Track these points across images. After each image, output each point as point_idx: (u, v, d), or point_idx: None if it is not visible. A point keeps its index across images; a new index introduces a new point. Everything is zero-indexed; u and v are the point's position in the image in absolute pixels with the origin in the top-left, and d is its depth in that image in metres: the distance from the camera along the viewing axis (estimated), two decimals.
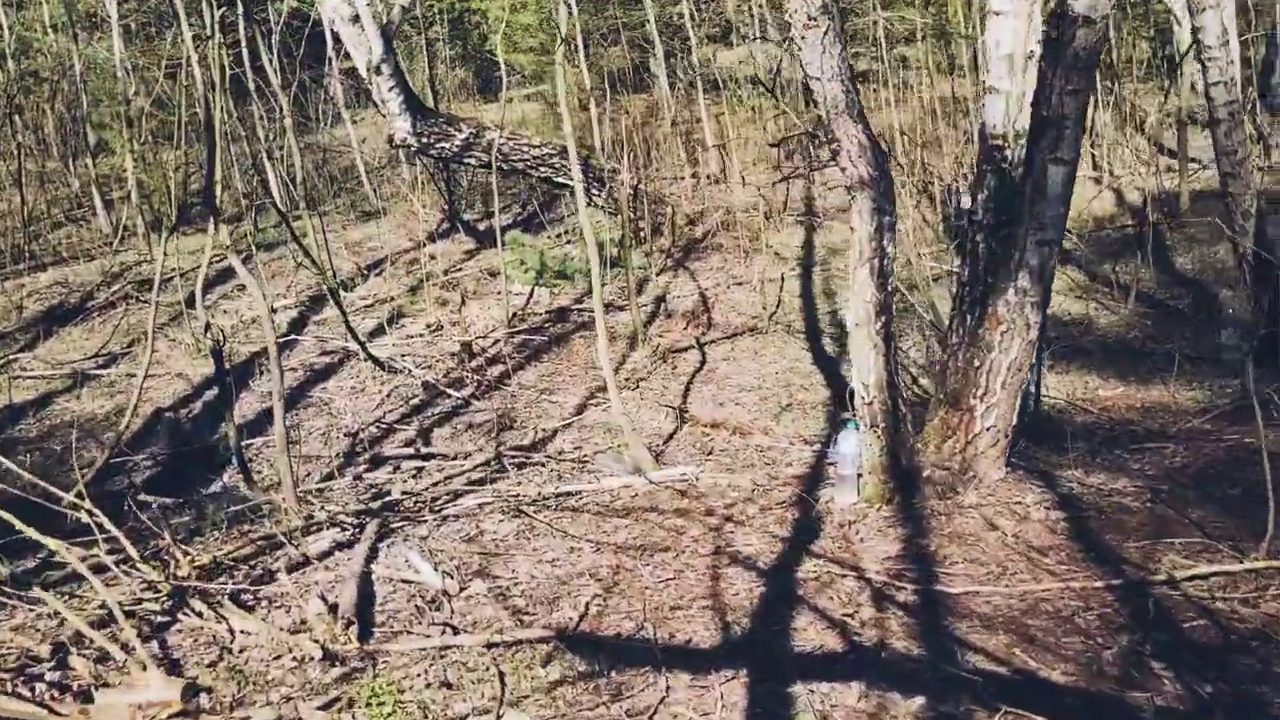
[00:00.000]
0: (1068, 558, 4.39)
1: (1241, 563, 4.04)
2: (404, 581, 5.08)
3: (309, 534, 5.91)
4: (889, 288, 5.26)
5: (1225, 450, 5.84)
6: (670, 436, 7.87)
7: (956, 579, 4.28)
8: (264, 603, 4.93)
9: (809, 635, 4.23)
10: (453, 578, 5.04)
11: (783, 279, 11.18)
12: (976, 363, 5.20)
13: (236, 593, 4.93)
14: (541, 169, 11.97)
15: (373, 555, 5.43)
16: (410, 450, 7.65)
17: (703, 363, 9.59)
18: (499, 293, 10.56)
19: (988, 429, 5.07)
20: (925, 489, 5.11)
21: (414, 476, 7.07)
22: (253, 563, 5.54)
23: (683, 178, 14.46)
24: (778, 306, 10.69)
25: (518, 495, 6.26)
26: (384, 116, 11.44)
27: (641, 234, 12.08)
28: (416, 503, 6.28)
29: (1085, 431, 6.05)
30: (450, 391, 8.79)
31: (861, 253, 5.15)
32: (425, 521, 5.96)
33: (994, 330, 5.16)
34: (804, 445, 7.39)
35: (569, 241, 12.32)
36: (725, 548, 5.27)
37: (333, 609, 4.70)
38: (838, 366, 9.18)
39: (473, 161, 11.86)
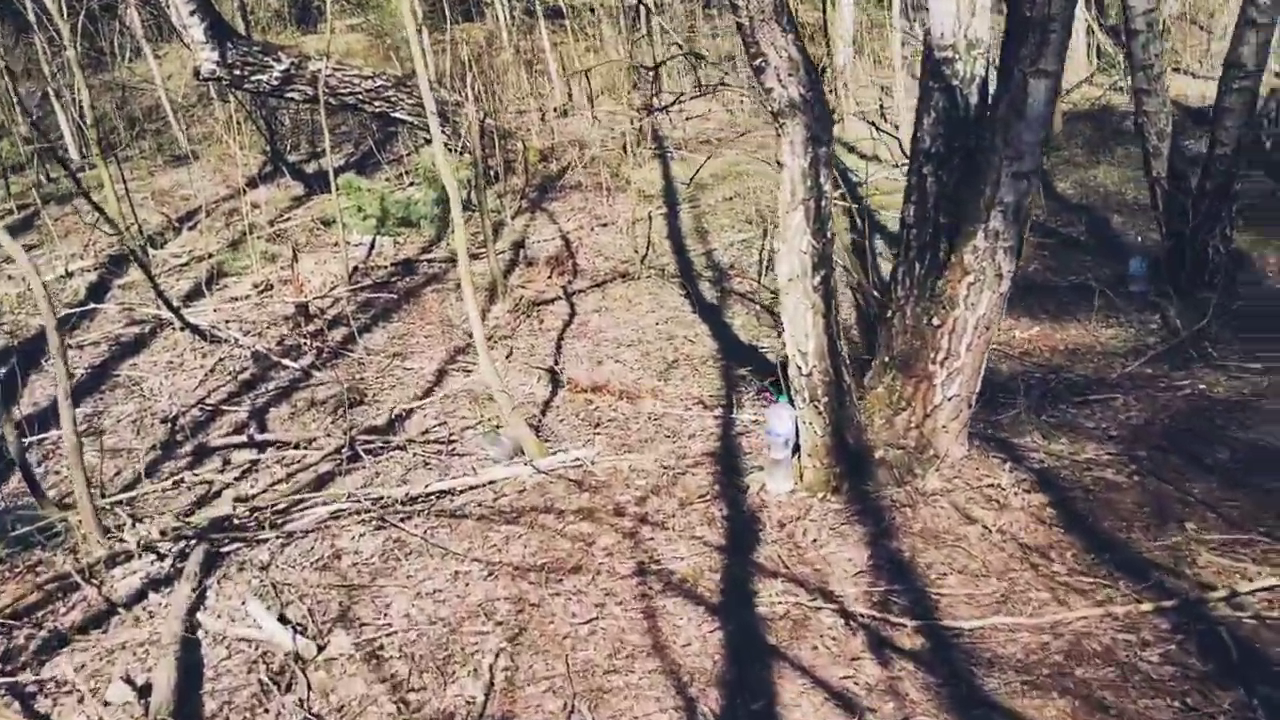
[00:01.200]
0: (1078, 562, 3.48)
1: None
2: (242, 641, 3.81)
3: (115, 566, 4.53)
4: (828, 234, 4.20)
5: (1184, 401, 5.07)
6: (547, 405, 6.71)
7: (958, 603, 3.33)
8: (48, 691, 3.58)
9: (807, 716, 3.16)
10: (306, 631, 3.79)
11: (650, 218, 10.06)
12: (935, 321, 4.19)
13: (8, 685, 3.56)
14: (376, 103, 10.42)
15: (198, 600, 4.12)
16: (242, 438, 6.25)
17: (572, 315, 8.43)
18: (335, 245, 9.09)
19: (949, 399, 4.11)
20: (878, 472, 4.14)
21: (248, 474, 5.70)
22: (39, 616, 4.15)
23: (528, 110, 13.10)
24: (649, 249, 9.58)
25: (379, 498, 5.00)
26: (189, 48, 9.67)
27: (493, 173, 10.72)
28: (253, 515, 4.95)
29: (1018, 382, 5.16)
30: (286, 362, 7.38)
31: (794, 194, 4.07)
32: (265, 541, 4.65)
33: (958, 282, 4.16)
34: (704, 410, 6.35)
35: (412, 183, 10.86)
36: (650, 564, 4.18)
37: (143, 693, 3.41)
38: (721, 314, 8.16)
39: (296, 97, 10.21)
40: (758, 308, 8.23)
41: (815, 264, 4.14)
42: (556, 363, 7.62)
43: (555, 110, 13.03)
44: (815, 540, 3.99)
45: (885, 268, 7.80)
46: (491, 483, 5.19)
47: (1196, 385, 5.19)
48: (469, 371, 7.12)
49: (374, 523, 4.73)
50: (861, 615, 3.53)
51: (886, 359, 4.51)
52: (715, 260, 9.29)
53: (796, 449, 4.47)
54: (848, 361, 4.34)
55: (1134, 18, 6.75)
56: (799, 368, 4.28)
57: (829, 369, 4.27)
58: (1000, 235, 4.06)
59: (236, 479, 5.61)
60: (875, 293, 5.76)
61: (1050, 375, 5.82)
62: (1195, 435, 4.63)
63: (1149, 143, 6.88)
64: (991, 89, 4.18)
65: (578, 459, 5.39)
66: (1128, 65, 7.31)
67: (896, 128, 11.48)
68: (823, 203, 4.15)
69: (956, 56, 4.28)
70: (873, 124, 11.58)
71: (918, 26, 10.59)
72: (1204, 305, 6.62)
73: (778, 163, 4.19)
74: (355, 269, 9.02)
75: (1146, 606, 3.23)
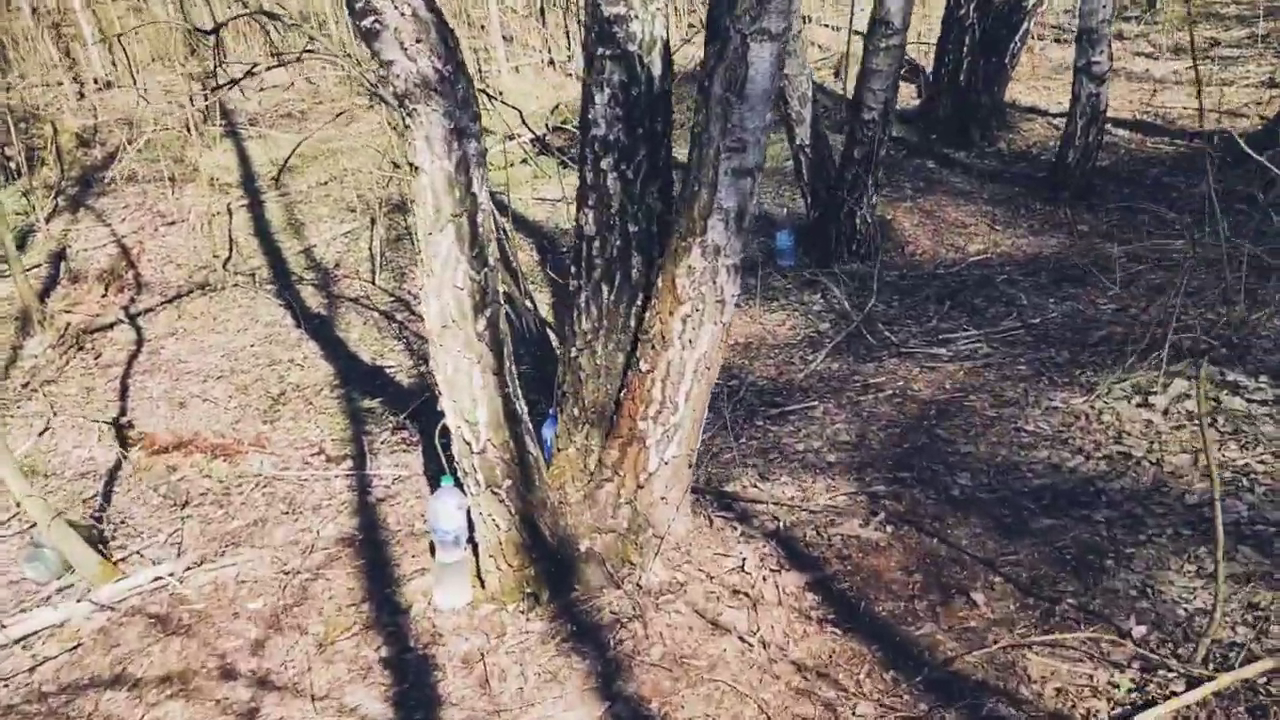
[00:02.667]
0: (878, 687, 2.47)
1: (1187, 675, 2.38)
2: None
3: None
4: (489, 261, 2.94)
5: (890, 406, 4.34)
6: (113, 478, 4.93)
7: None
8: None
9: None
10: None
11: (230, 212, 8.18)
12: (643, 366, 3.06)
13: None
14: None
15: None
16: None
17: (140, 344, 6.53)
18: None
19: (667, 462, 3.00)
20: (587, 570, 3.00)
21: None
22: None
23: (60, 83, 10.51)
24: (232, 250, 7.74)
25: None
26: None
27: (12, 166, 8.28)
28: None
29: None
30: None
31: (438, 209, 2.77)
32: None
33: (669, 315, 3.03)
34: (326, 464, 4.87)
35: None
36: None
37: None
38: (333, 326, 6.62)
39: None
40: (375, 314, 6.75)
41: (477, 303, 2.85)
42: (123, 412, 5.75)
43: (96, 83, 10.53)
44: (521, 690, 2.73)
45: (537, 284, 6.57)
46: (24, 640, 3.44)
47: (894, 383, 4.47)
48: None
49: None
50: None
51: (576, 412, 3.30)
52: (317, 259, 7.65)
53: (473, 546, 3.17)
54: (529, 426, 3.08)
55: None
56: (468, 444, 2.98)
57: (509, 440, 3.01)
58: (721, 251, 2.96)
59: None
60: (542, 322, 4.54)
61: (733, 380, 4.89)
62: (923, 455, 3.86)
63: (790, 108, 6.14)
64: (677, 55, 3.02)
65: (158, 576, 3.74)
66: None
67: (501, 93, 10.25)
68: (478, 219, 2.86)
69: (631, 14, 3.10)
70: (484, 92, 10.24)
71: None
72: (861, 278, 6.03)
73: (410, 165, 2.83)
74: None
75: None
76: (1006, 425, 4.05)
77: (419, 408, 5.35)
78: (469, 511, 3.18)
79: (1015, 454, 3.82)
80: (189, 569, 3.90)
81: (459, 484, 3.17)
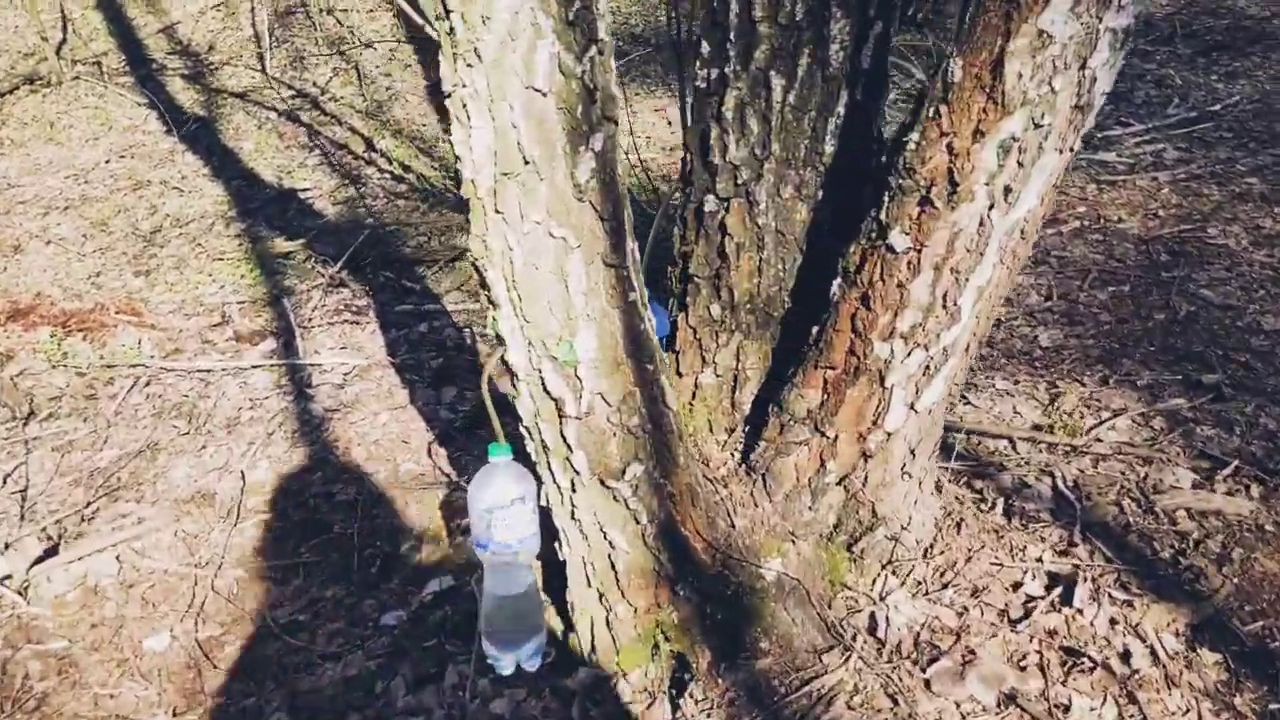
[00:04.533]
0: None
1: None
2: None
3: None
4: (597, 31, 1.22)
5: (1092, 247, 2.89)
6: None
7: None
8: None
9: None
10: None
11: None
12: (899, 239, 1.50)
13: None
14: None
15: None
16: None
17: None
18: None
19: (920, 410, 1.50)
20: (778, 611, 1.48)
21: None
22: None
23: None
24: (66, 31, 5.62)
25: None
26: None
27: None
28: None
29: None
30: None
31: None
32: None
33: (971, 139, 1.43)
34: (237, 347, 3.23)
35: None
36: None
37: None
38: (215, 128, 4.73)
39: None
40: (273, 115, 4.85)
41: (577, 121, 1.26)
42: None
43: None
44: None
45: None
46: None
47: (1075, 209, 3.00)
48: None
49: None
50: None
51: (716, 311, 1.75)
52: (182, 41, 5.59)
53: (555, 567, 1.61)
54: (664, 360, 1.48)
55: None
56: (557, 401, 1.39)
57: (636, 390, 1.44)
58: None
59: None
60: None
61: None
62: (1194, 330, 2.41)
63: None
64: None
65: None
66: None
67: None
68: None
69: None
70: None
71: None
72: None
73: None
74: None
75: None
76: None
77: (360, 249, 3.65)
78: (542, 510, 1.61)
79: None
80: (38, 562, 2.25)
81: (528, 464, 1.57)
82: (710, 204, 1.72)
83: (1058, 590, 1.66)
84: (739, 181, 1.69)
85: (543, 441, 1.54)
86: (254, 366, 3.08)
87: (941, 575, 1.69)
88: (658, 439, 1.54)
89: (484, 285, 1.45)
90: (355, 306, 3.38)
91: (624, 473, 1.53)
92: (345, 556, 2.17)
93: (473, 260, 1.43)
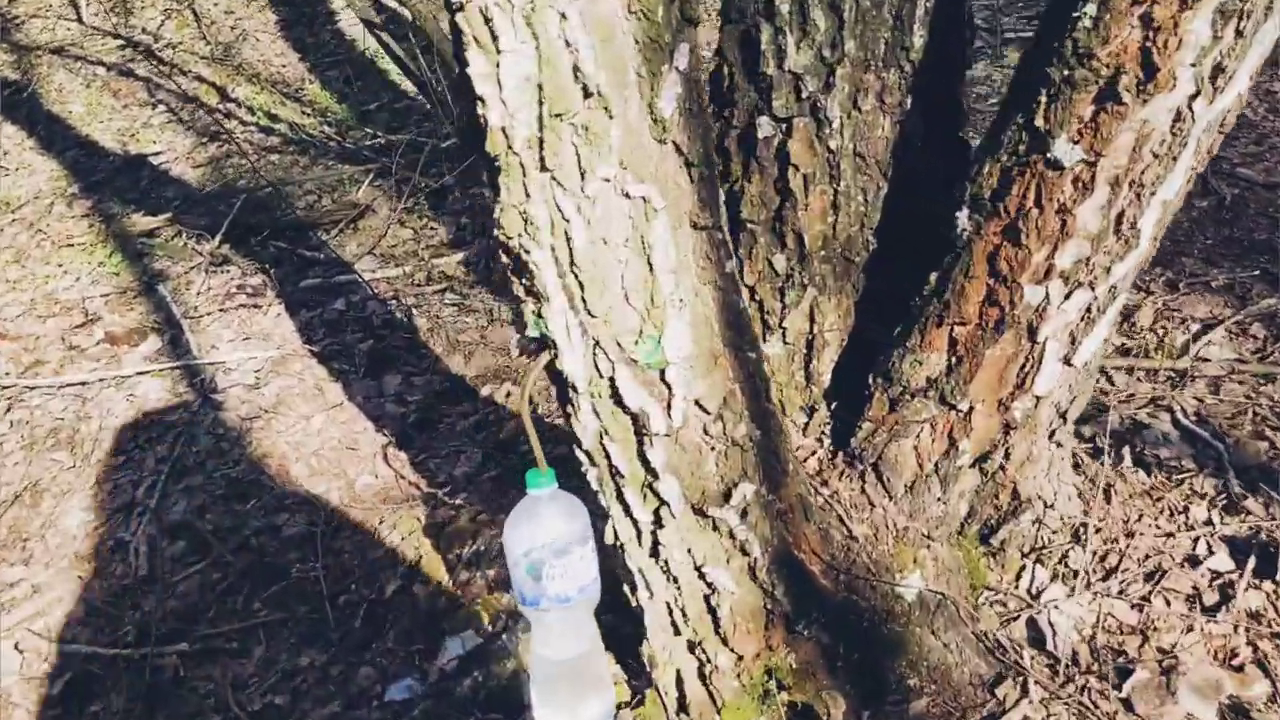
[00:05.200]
0: None
1: None
2: None
3: None
4: None
5: None
6: None
7: None
8: None
9: None
10: None
11: None
12: (1067, 149, 1.11)
13: None
14: None
15: None
16: None
17: None
18: None
19: (1074, 364, 1.14)
20: (924, 639, 1.13)
21: None
22: None
23: None
24: None
25: None
26: None
27: None
28: None
29: None
30: None
31: None
32: None
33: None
34: (113, 351, 2.68)
35: None
36: None
37: None
38: (39, 95, 4.03)
39: None
40: (101, 71, 4.15)
41: (658, 32, 0.74)
42: None
43: None
44: None
45: None
46: None
47: None
48: None
49: None
50: None
51: (783, 264, 1.34)
52: None
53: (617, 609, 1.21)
54: (763, 351, 1.08)
55: None
56: (635, 418, 1.00)
57: (740, 392, 1.03)
58: None
59: None
60: None
61: None
62: None
63: None
64: None
65: None
66: None
67: None
68: None
69: None
70: None
71: None
72: None
73: None
74: None
75: None
76: None
77: (239, 218, 3.08)
78: (604, 540, 1.21)
79: None
80: None
81: (586, 493, 1.16)
82: (764, 128, 1.30)
83: (1249, 561, 1.34)
84: (803, 95, 1.28)
85: (613, 468, 1.13)
86: (139, 373, 2.53)
87: (1102, 560, 1.36)
88: (765, 446, 1.14)
89: (519, 273, 1.02)
90: (249, 287, 2.84)
91: (728, 496, 1.13)
92: (315, 609, 1.71)
93: (503, 239, 0.99)
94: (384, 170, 3.32)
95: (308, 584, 1.79)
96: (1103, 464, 1.47)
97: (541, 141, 0.93)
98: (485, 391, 2.22)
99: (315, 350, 2.48)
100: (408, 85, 3.98)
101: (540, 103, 0.91)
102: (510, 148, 0.94)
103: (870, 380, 1.30)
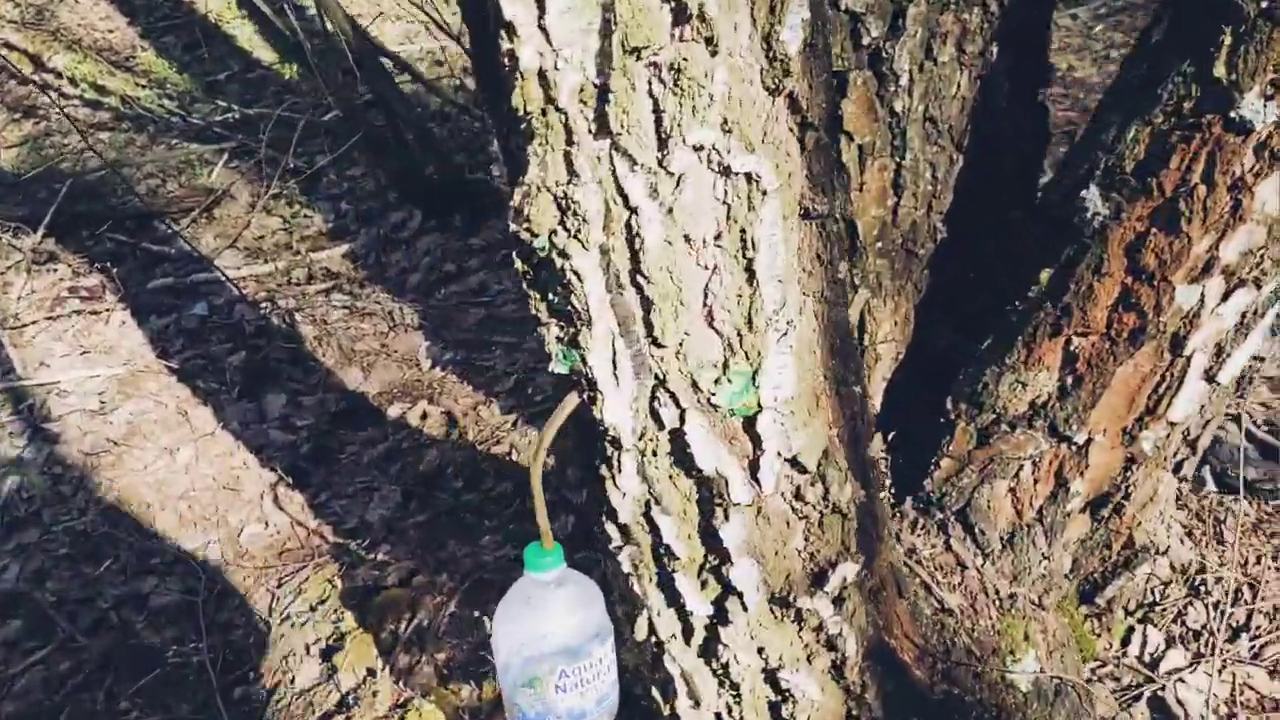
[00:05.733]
0: None
1: None
2: None
3: None
4: None
5: None
6: None
7: None
8: None
9: None
10: None
11: None
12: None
13: None
14: None
15: None
16: None
17: None
18: None
19: (1218, 383, 0.87)
20: None
21: None
22: None
23: None
24: None
25: None
26: None
27: None
28: None
29: None
30: None
31: None
32: None
33: None
34: None
35: None
36: None
37: None
38: None
39: None
40: None
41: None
42: None
43: None
44: None
45: None
46: None
47: None
48: None
49: None
50: None
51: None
52: None
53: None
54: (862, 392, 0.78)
55: None
56: (711, 483, 0.67)
57: (844, 441, 0.70)
58: None
59: None
60: None
61: None
62: None
63: None
64: None
65: None
66: None
67: None
68: None
69: None
70: None
71: None
72: None
73: None
74: None
75: None
76: None
77: (65, 206, 2.57)
78: (629, 634, 0.87)
79: None
80: None
81: (601, 574, 0.82)
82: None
83: None
84: (863, 42, 0.96)
85: (661, 548, 0.79)
86: None
87: (1225, 615, 1.10)
88: (865, 511, 0.82)
89: (545, 285, 0.68)
90: (83, 289, 2.34)
91: (822, 580, 0.81)
92: (201, 706, 1.30)
93: (525, 237, 0.64)
94: (241, 149, 2.83)
95: (190, 672, 1.38)
96: (1206, 494, 1.21)
97: (605, 91, 0.58)
98: (394, 412, 1.83)
99: (173, 366, 2.02)
100: (261, 53, 3.47)
101: (607, 31, 0.57)
102: (552, 101, 0.59)
103: (950, 406, 1.00)
